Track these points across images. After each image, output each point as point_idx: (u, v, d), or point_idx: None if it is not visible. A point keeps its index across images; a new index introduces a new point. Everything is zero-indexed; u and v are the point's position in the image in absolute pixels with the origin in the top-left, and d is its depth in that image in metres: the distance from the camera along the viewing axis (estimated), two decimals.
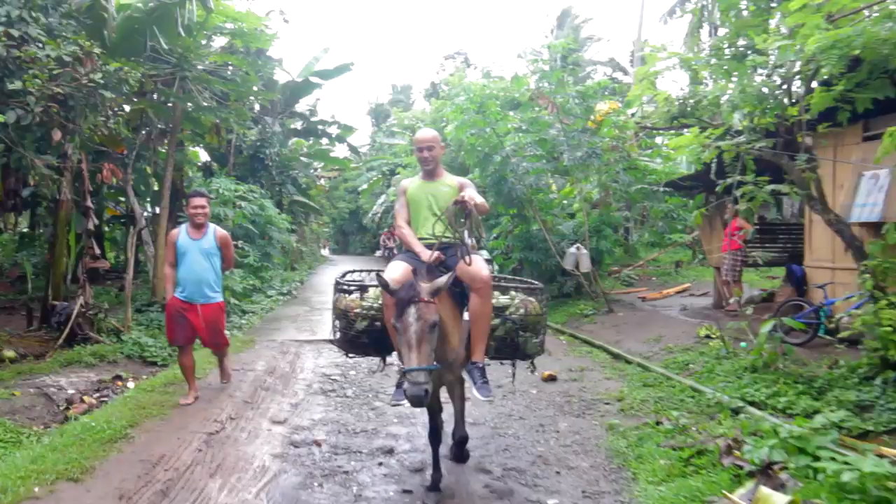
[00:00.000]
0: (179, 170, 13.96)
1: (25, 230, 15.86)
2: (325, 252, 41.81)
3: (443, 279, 3.31)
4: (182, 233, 5.61)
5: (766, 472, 3.87)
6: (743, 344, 7.06)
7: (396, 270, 3.74)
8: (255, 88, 13.03)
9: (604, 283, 12.53)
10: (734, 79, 5.04)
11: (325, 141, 24.38)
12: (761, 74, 5.11)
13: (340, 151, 27.35)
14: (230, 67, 12.97)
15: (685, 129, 6.86)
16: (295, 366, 7.49)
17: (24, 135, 7.43)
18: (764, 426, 4.26)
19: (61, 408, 6.38)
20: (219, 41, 13.73)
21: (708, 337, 7.81)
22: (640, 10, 30.14)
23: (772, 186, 5.11)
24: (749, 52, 5.02)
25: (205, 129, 14.50)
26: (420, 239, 4.02)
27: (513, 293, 4.32)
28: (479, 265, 3.76)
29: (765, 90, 4.95)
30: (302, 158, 22.47)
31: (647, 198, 12.36)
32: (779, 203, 17.41)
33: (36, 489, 3.66)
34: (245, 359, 7.65)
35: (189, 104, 11.86)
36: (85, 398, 6.59)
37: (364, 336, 4.14)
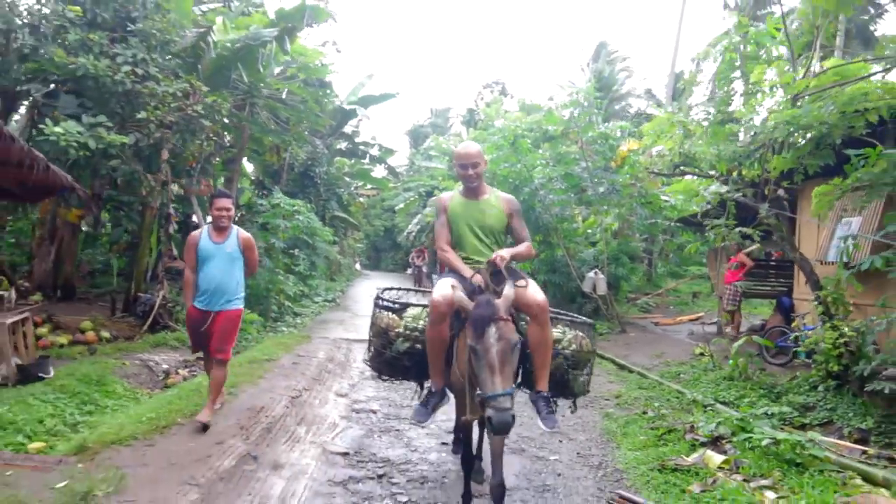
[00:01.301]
0: (231, 180, 15.54)
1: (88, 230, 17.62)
2: (357, 266, 43.34)
3: (511, 292, 3.13)
4: (204, 236, 5.15)
5: (715, 444, 5.15)
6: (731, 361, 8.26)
7: (447, 288, 3.43)
8: (315, 115, 14.60)
9: (621, 307, 13.72)
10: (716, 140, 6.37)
11: (366, 161, 26.12)
12: (735, 139, 6.40)
13: (379, 171, 29.10)
14: (290, 94, 14.58)
15: (688, 175, 8.14)
16: (349, 357, 8.91)
17: (138, 153, 9.00)
18: (723, 414, 5.52)
19: (160, 378, 7.86)
20: (277, 68, 15.38)
21: (702, 355, 9.00)
22: (675, 45, 31.35)
23: (739, 229, 6.38)
24: (729, 120, 6.32)
25: (265, 149, 16.17)
26: (463, 259, 3.79)
27: (562, 327, 4.04)
28: (534, 289, 3.51)
29: (737, 151, 6.24)
30: (345, 178, 24.09)
31: (662, 231, 13.59)
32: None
33: (179, 419, 5.09)
34: (307, 349, 9.10)
35: (255, 127, 13.49)
36: (179, 371, 8.06)
37: (405, 358, 3.96)
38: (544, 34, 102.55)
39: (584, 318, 4.34)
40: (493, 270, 3.39)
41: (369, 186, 33.10)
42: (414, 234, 31.65)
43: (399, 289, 5.09)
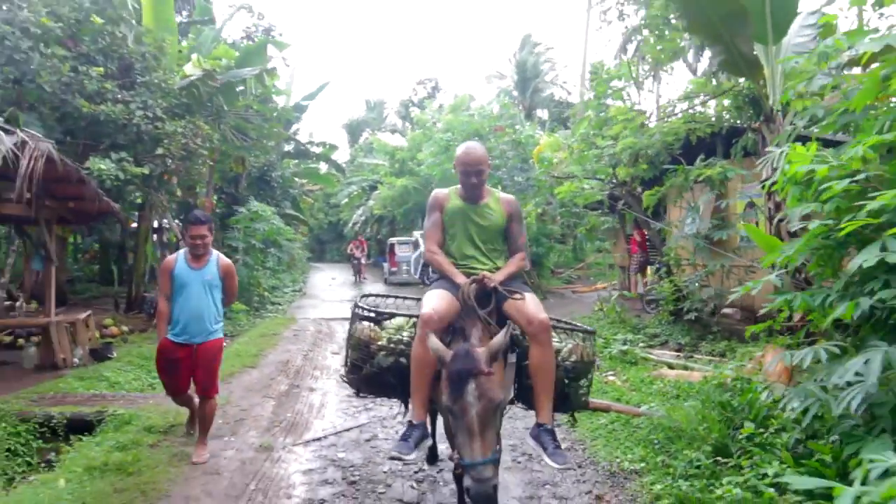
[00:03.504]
0: (192, 188, 17.57)
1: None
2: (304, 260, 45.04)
3: (499, 338, 2.71)
4: (180, 261, 4.64)
5: None
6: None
7: (440, 301, 3.13)
8: (274, 130, 16.81)
9: (546, 280, 16.60)
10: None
11: (311, 160, 28.24)
12: (599, 157, 9.26)
13: (323, 167, 31.19)
14: (253, 111, 16.73)
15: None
16: (332, 330, 11.43)
17: (148, 181, 11.19)
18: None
19: None
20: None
21: (600, 310, 11.92)
22: (584, 46, 34.59)
23: (604, 218, 9.24)
24: (593, 145, 9.18)
25: (230, 160, 18.29)
26: (457, 265, 3.40)
27: (561, 336, 3.63)
28: (533, 304, 3.18)
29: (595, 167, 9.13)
30: (297, 179, 26.24)
31: (572, 216, 16.55)
32: None
33: (239, 367, 7.56)
34: (297, 327, 11.60)
35: (227, 145, 15.64)
36: None
37: (388, 374, 3.49)
38: (475, 25, 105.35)
39: (584, 325, 3.97)
40: (480, 290, 3.07)
41: (314, 184, 35.27)
42: (359, 225, 34.00)
43: (378, 295, 4.64)
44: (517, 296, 3.10)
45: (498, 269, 3.39)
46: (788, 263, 3.82)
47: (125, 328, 11.62)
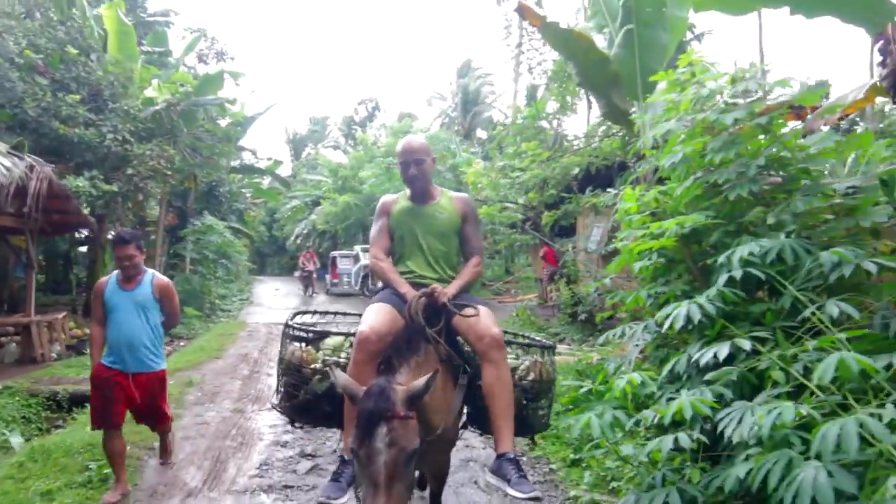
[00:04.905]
0: (141, 202, 18.69)
1: None
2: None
3: (422, 381, 2.26)
4: (111, 283, 4.29)
5: None
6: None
7: (379, 317, 2.82)
8: (226, 149, 18.13)
9: (474, 291, 18.35)
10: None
11: (255, 176, 29.40)
12: (511, 184, 11.14)
13: (265, 181, 32.36)
14: (205, 131, 17.99)
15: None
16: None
17: (115, 196, 12.41)
18: None
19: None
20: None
21: (517, 315, 13.75)
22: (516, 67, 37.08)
23: (521, 235, 11.10)
24: (506, 175, 11.07)
25: (184, 176, 19.42)
26: (403, 274, 3.12)
27: (517, 352, 3.35)
28: (486, 318, 2.88)
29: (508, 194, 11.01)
30: (244, 192, 27.37)
31: (497, 234, 18.50)
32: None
33: (206, 358, 8.95)
34: (250, 329, 12.98)
35: (184, 163, 16.86)
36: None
37: (324, 402, 3.09)
38: (416, 47, 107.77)
39: (542, 339, 3.77)
40: (429, 304, 2.81)
41: (257, 197, 36.28)
42: (301, 238, 35.14)
43: (315, 312, 4.09)
44: (470, 311, 2.83)
45: (450, 277, 3.14)
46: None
47: (87, 330, 12.71)
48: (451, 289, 2.96)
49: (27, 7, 12.31)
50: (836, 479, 1.82)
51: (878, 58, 4.39)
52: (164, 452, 4.81)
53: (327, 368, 2.87)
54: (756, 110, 3.28)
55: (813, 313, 2.45)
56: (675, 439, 2.65)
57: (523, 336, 3.82)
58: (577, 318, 10.68)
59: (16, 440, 5.63)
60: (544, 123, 11.27)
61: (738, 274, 2.75)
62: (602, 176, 10.78)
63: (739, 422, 2.28)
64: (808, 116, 5.76)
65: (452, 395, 2.85)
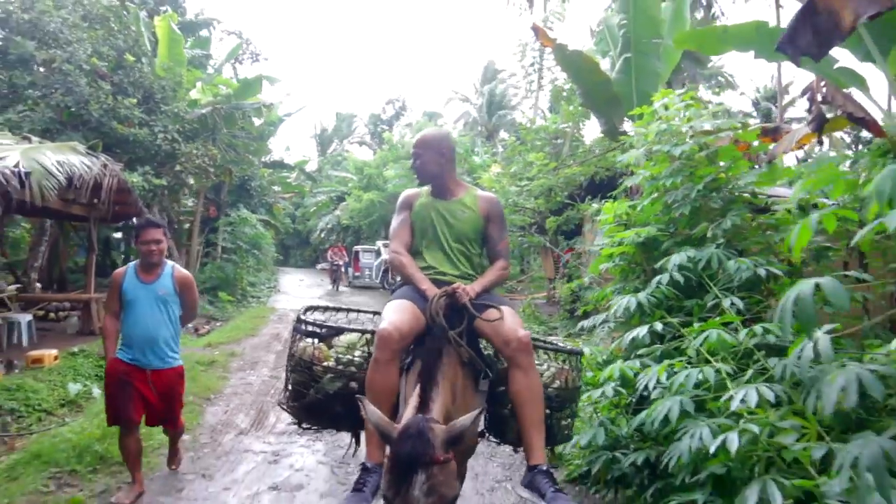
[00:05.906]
0: (176, 193, 20.08)
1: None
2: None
3: (467, 420, 2.05)
4: (129, 274, 4.11)
5: None
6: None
7: (401, 315, 2.67)
8: (262, 146, 19.55)
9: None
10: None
11: (284, 172, 30.85)
12: (521, 190, 12.25)
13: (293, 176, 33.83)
14: (241, 128, 19.33)
15: None
16: None
17: (164, 190, 13.75)
18: None
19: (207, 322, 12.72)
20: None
21: (522, 311, 14.83)
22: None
23: (532, 237, 12.22)
24: (516, 183, 12.19)
25: (221, 171, 20.81)
26: (423, 269, 2.96)
27: (542, 358, 3.20)
28: (512, 320, 2.74)
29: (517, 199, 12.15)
30: (273, 187, 28.79)
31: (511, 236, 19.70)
32: None
33: (244, 335, 10.21)
34: (279, 313, 14.24)
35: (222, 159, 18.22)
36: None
37: (336, 402, 2.93)
38: (444, 47, 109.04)
39: (570, 345, 3.75)
40: (451, 303, 2.65)
41: (286, 191, 37.72)
42: (324, 232, 36.49)
43: (328, 308, 3.91)
44: (493, 314, 2.69)
45: (471, 274, 3.01)
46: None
47: None
48: (475, 287, 2.80)
49: (91, 19, 13.71)
50: (683, 405, 2.89)
51: (806, 104, 5.38)
52: (174, 459, 4.59)
53: (345, 371, 2.90)
54: (706, 143, 4.34)
55: (717, 305, 3.47)
56: (602, 393, 3.85)
57: (548, 342, 3.65)
58: (574, 313, 11.74)
59: (97, 391, 6.87)
60: (565, 128, 12.39)
61: (670, 277, 3.71)
62: (605, 185, 11.81)
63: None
64: (771, 147, 6.80)
65: (473, 400, 2.64)
